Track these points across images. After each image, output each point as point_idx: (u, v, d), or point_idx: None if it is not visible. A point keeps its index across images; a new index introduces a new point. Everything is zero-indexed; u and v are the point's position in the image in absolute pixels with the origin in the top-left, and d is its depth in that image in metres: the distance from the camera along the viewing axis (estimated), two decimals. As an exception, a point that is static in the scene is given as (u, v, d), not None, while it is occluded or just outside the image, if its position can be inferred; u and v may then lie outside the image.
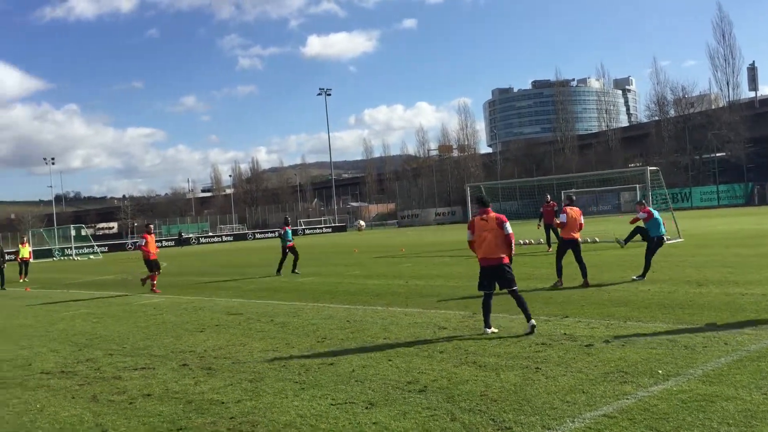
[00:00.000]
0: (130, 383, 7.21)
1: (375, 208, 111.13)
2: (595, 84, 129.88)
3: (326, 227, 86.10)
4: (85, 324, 12.39)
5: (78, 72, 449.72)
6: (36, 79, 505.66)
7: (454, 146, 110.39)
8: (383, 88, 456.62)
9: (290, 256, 20.63)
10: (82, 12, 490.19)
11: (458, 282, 14.80)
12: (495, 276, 8.67)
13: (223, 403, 6.17)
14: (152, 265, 17.58)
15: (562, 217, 12.83)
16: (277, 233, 35.05)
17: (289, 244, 20.61)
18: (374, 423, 5.31)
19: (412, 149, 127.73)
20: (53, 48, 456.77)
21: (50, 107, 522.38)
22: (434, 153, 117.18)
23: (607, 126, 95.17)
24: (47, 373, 8.07)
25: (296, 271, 20.19)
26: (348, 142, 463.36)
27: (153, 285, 17.59)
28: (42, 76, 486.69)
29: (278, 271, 20.18)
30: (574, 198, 13.57)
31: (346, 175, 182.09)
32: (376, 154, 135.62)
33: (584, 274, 12.74)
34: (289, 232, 21.05)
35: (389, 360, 7.46)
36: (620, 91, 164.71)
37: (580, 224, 12.98)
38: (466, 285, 13.57)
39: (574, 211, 12.84)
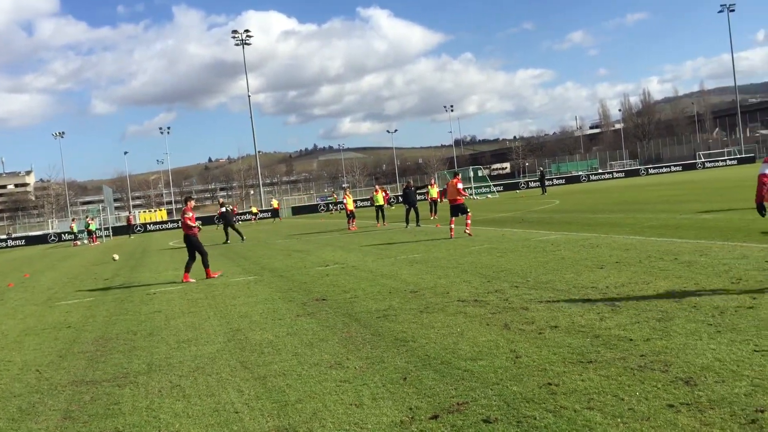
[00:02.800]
0: (537, 314, 7.57)
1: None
2: None
3: (730, 159, 78.14)
4: (491, 258, 13.33)
5: (472, 21, 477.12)
6: (436, 33, 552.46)
7: None
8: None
9: None
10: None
11: None
12: None
13: (631, 340, 6.09)
14: None
15: None
16: None
17: None
18: (811, 376, 4.72)
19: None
20: (448, 2, 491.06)
21: (449, 58, 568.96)
22: None
23: None
24: (463, 301, 8.92)
25: None
26: (755, 63, 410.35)
27: None
28: (441, 30, 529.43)
29: None
30: None
31: (753, 100, 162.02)
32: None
33: None
34: None
35: (824, 307, 6.51)
36: None
37: None
38: None
39: None
